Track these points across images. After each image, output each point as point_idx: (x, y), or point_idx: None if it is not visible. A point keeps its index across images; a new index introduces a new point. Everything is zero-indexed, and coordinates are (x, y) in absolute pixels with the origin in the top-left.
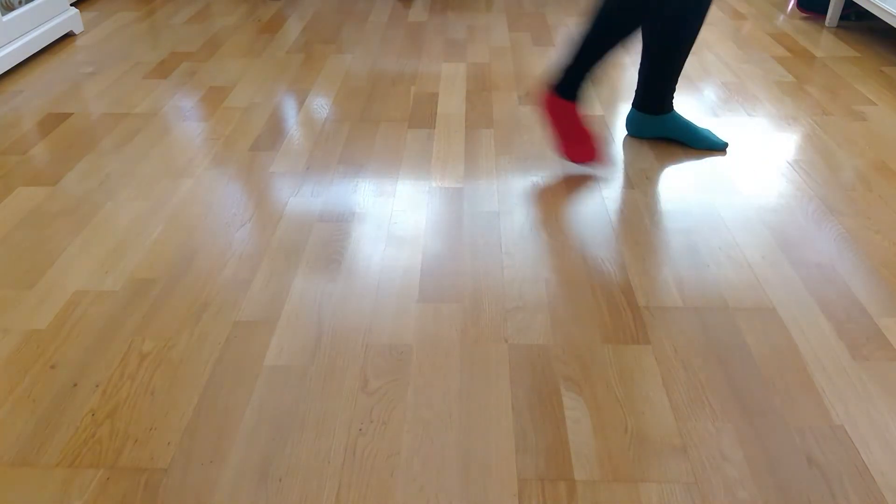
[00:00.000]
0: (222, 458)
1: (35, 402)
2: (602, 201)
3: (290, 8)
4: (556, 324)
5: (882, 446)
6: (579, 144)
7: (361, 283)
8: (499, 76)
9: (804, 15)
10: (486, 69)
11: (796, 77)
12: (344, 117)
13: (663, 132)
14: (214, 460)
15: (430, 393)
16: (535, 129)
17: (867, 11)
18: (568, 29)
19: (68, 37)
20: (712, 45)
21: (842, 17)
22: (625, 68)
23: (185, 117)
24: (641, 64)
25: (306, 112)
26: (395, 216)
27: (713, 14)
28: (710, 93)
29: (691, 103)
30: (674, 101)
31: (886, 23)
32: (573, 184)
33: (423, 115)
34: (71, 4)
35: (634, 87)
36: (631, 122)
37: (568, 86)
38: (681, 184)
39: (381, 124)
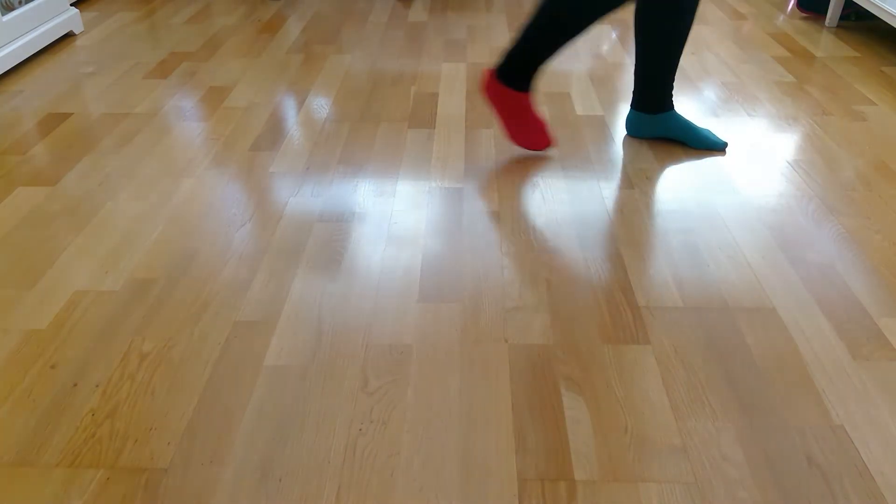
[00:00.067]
0: (222, 458)
1: (35, 402)
2: (602, 201)
3: (290, 8)
4: (556, 324)
5: (882, 446)
6: (532, 133)
7: (361, 283)
8: None
9: (804, 15)
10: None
11: (796, 77)
12: (344, 117)
13: (663, 132)
14: (214, 460)
15: (430, 393)
16: None
17: (867, 11)
18: None
19: (68, 37)
20: (712, 45)
21: (842, 17)
22: (625, 68)
23: (185, 117)
24: (636, 63)
25: (306, 112)
26: (395, 216)
27: (713, 14)
28: (710, 93)
29: (691, 103)
30: (673, 100)
31: (886, 23)
32: (573, 184)
33: (423, 115)
34: (71, 4)
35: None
36: (630, 123)
37: (520, 77)
38: (681, 184)
39: (381, 124)
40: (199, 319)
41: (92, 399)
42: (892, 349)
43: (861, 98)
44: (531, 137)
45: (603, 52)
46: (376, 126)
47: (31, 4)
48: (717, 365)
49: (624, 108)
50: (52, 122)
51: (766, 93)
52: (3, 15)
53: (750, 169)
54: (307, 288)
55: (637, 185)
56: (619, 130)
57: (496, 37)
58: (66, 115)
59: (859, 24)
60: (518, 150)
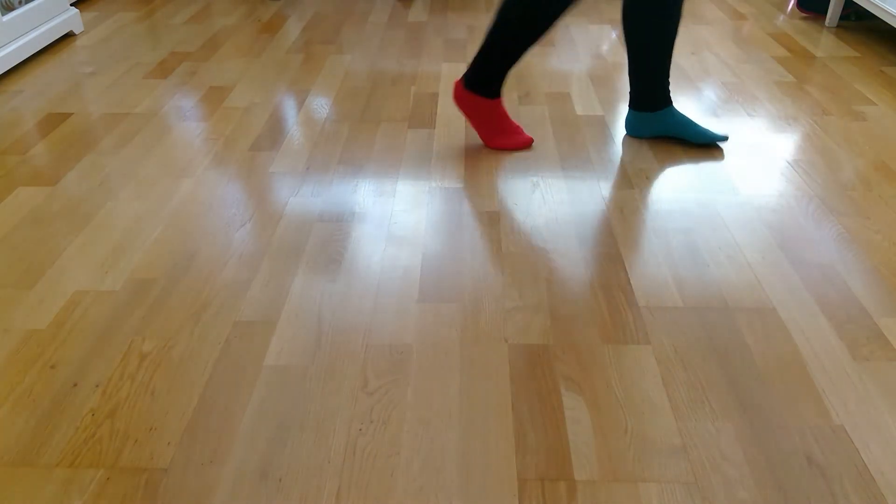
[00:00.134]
0: (222, 458)
1: (35, 402)
2: (602, 201)
3: (290, 8)
4: (556, 324)
5: (882, 446)
6: (510, 136)
7: (361, 283)
8: None
9: (804, 15)
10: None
11: (796, 77)
12: (344, 117)
13: (662, 129)
14: (214, 460)
15: (430, 393)
16: (535, 129)
17: (867, 11)
18: (568, 29)
19: (68, 37)
20: (712, 45)
21: (842, 17)
22: (625, 68)
23: (185, 117)
24: (629, 62)
25: (306, 112)
26: (395, 216)
27: (713, 14)
28: (710, 93)
29: (691, 103)
30: (670, 96)
31: (886, 23)
32: (573, 184)
33: (423, 115)
34: (71, 4)
35: None
36: (629, 123)
37: (488, 84)
38: (681, 184)
39: (381, 124)
40: (199, 319)
41: (92, 399)
42: (892, 349)
43: (861, 98)
44: (508, 139)
45: (603, 52)
46: (376, 126)
47: (31, 4)
48: (717, 365)
49: (624, 108)
50: (52, 122)
51: (766, 93)
52: (3, 15)
53: (750, 169)
54: (307, 288)
55: (637, 185)
56: (619, 130)
57: None
58: (66, 115)
59: (859, 24)
60: (518, 151)
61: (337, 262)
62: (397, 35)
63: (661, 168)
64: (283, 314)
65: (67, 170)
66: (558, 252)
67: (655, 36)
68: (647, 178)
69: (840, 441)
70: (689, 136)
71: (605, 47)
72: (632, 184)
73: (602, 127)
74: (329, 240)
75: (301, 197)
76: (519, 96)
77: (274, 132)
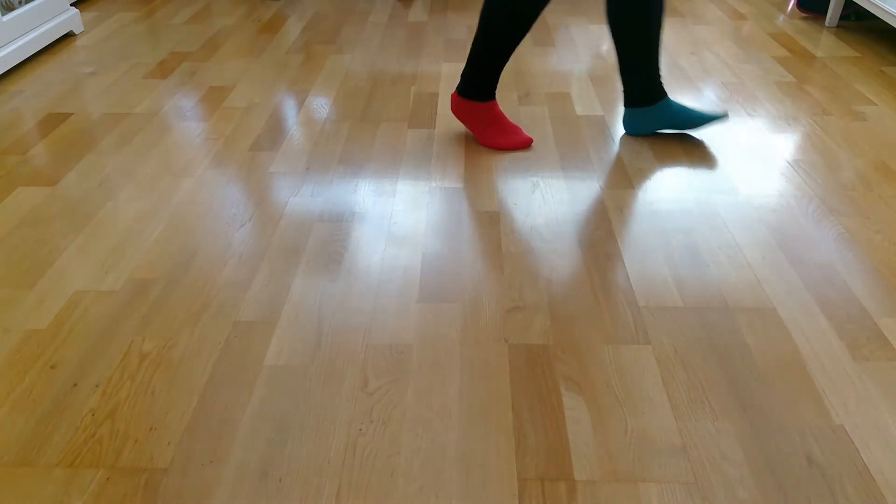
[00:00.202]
0: (222, 458)
1: (35, 402)
2: (602, 201)
3: (290, 8)
4: (556, 324)
5: (882, 446)
6: (510, 134)
7: (361, 283)
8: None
9: (804, 15)
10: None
11: (796, 77)
12: (344, 117)
13: (660, 122)
14: (214, 460)
15: (430, 393)
16: (535, 129)
17: (867, 11)
18: (568, 29)
19: (68, 37)
20: (712, 45)
21: (842, 17)
22: None
23: (185, 117)
24: (619, 61)
25: (306, 112)
26: (395, 216)
27: (713, 14)
28: (710, 93)
29: (691, 103)
30: (664, 87)
31: (886, 23)
32: (573, 184)
33: (423, 115)
34: (71, 4)
35: None
36: (627, 122)
37: (482, 89)
38: (681, 184)
39: (381, 124)
40: (199, 319)
41: (92, 399)
42: (892, 349)
43: (861, 98)
44: (508, 139)
45: (603, 52)
46: (376, 126)
47: (31, 4)
48: (717, 365)
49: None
50: (52, 122)
51: (766, 93)
52: (3, 15)
53: (750, 169)
54: (307, 288)
55: (637, 185)
56: (619, 130)
57: None
58: (66, 115)
59: (859, 24)
60: (518, 151)
61: (337, 262)
62: (397, 35)
63: (661, 168)
64: (283, 314)
65: (67, 170)
66: (558, 252)
67: (642, 30)
68: (647, 178)
69: (840, 441)
70: (689, 124)
71: (605, 47)
72: (632, 184)
73: (602, 127)
74: (329, 240)
75: (301, 197)
76: (519, 96)
77: (274, 132)
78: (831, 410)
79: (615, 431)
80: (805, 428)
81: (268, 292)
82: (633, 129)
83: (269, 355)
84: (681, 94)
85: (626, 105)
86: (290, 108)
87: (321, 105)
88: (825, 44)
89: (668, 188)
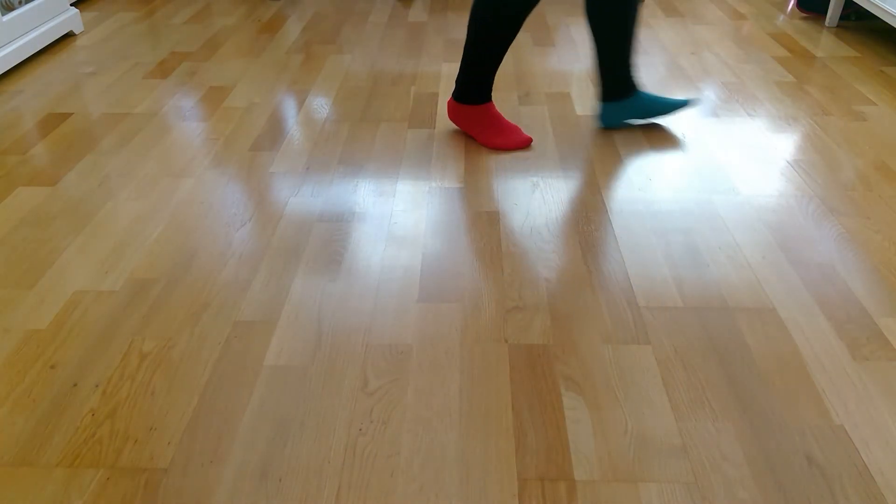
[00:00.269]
0: (222, 458)
1: (35, 402)
2: (602, 201)
3: (290, 8)
4: (556, 324)
5: (882, 446)
6: (510, 134)
7: (361, 283)
8: (499, 76)
9: (804, 15)
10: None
11: (796, 77)
12: (344, 117)
13: (634, 113)
14: (214, 460)
15: (430, 393)
16: (535, 130)
17: (867, 11)
18: (568, 29)
19: (68, 37)
20: (712, 45)
21: (842, 17)
22: None
23: (185, 117)
24: (596, 56)
25: (306, 112)
26: (395, 216)
27: (713, 14)
28: (710, 93)
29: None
30: (636, 81)
31: (886, 23)
32: (573, 184)
33: (423, 115)
34: (71, 4)
35: None
36: (602, 115)
37: (477, 93)
38: (681, 184)
39: (381, 124)
40: (199, 319)
41: (92, 399)
42: (892, 349)
43: (861, 98)
44: (507, 139)
45: None
46: (376, 126)
47: (31, 4)
48: (717, 365)
49: None
50: (52, 122)
51: (766, 93)
52: (3, 15)
53: (750, 169)
54: (307, 288)
55: (637, 185)
56: (619, 130)
57: None
58: (66, 115)
59: (859, 24)
60: (518, 151)
61: (337, 262)
62: (397, 35)
63: (661, 168)
64: (283, 314)
65: (67, 170)
66: (558, 252)
67: (617, 25)
68: (648, 178)
69: (840, 441)
70: (659, 113)
71: None
72: (632, 184)
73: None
74: (329, 240)
75: (301, 197)
76: (519, 96)
77: (274, 132)
78: (831, 410)
79: (615, 431)
80: (805, 428)
81: (268, 292)
82: (608, 121)
83: (269, 355)
84: (681, 94)
85: (602, 100)
86: (290, 108)
87: (321, 105)
88: (825, 44)
89: (668, 188)
